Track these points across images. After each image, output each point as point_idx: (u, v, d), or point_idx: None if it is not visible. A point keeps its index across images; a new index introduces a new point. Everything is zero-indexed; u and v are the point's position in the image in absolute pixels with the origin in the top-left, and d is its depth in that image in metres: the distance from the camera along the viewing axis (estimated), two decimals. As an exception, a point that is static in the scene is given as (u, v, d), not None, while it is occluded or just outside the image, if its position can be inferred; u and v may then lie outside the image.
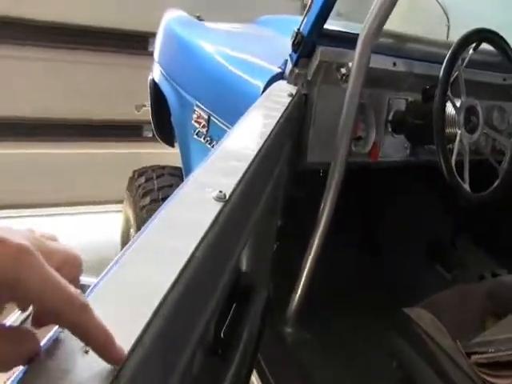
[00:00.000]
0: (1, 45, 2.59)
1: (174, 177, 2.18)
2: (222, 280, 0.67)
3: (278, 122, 1.00)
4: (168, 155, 2.34)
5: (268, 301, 0.80)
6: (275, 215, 1.36)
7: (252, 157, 0.81)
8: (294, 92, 1.21)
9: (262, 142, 0.88)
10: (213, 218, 0.60)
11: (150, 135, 2.86)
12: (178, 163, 2.05)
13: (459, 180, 1.29)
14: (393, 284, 1.87)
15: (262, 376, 1.49)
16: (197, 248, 0.54)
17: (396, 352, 1.32)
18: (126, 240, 2.33)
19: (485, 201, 1.35)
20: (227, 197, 0.65)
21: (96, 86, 2.80)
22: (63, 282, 0.38)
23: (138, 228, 2.11)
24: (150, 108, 2.18)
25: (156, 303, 0.44)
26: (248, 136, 0.92)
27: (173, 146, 2.29)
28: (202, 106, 1.55)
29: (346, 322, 1.68)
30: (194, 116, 1.60)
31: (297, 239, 1.47)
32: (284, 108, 1.07)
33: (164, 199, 1.98)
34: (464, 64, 1.37)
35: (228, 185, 0.69)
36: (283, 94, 1.19)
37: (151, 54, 2.14)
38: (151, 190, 2.12)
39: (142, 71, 2.35)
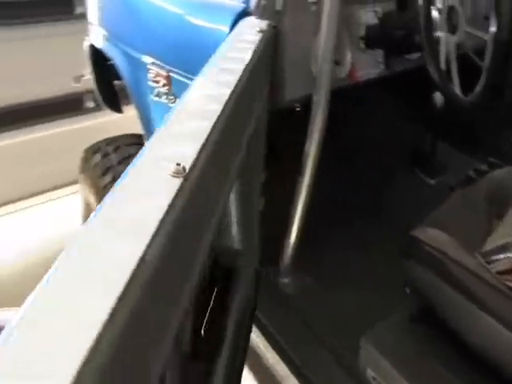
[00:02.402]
0: None
1: (132, 146, 2.03)
2: (193, 267, 0.58)
3: (250, 63, 0.89)
4: (114, 123, 2.18)
5: (257, 274, 0.69)
6: (256, 171, 1.27)
7: (217, 113, 0.68)
8: (264, 27, 1.09)
9: (229, 93, 0.75)
10: (169, 200, 0.50)
11: (92, 105, 2.67)
12: (130, 130, 1.92)
13: (450, 83, 1.23)
14: (384, 204, 1.84)
15: (264, 333, 1.45)
16: (149, 246, 0.44)
17: (410, 278, 1.27)
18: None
19: (476, 102, 1.31)
20: (187, 170, 0.55)
21: (21, 64, 2.54)
22: None
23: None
24: (91, 77, 2.01)
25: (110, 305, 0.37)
26: (212, 87, 0.79)
27: (121, 112, 2.16)
28: (159, 63, 1.41)
29: (345, 260, 1.64)
30: (150, 75, 1.45)
31: (284, 186, 1.40)
32: (254, 46, 0.96)
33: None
34: None
35: (188, 154, 0.58)
36: (252, 31, 1.07)
37: (79, 17, 1.94)
38: (111, 167, 1.97)
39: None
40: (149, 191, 0.52)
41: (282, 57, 1.22)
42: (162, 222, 0.47)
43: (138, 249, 0.43)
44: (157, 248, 0.45)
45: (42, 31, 2.43)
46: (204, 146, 0.61)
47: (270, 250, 1.52)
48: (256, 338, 1.47)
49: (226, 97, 0.73)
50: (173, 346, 0.50)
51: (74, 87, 2.25)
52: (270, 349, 1.42)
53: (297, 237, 1.46)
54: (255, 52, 0.95)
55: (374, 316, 1.32)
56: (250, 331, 0.65)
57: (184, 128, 0.65)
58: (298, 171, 1.37)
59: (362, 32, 1.36)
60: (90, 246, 0.43)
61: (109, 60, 1.77)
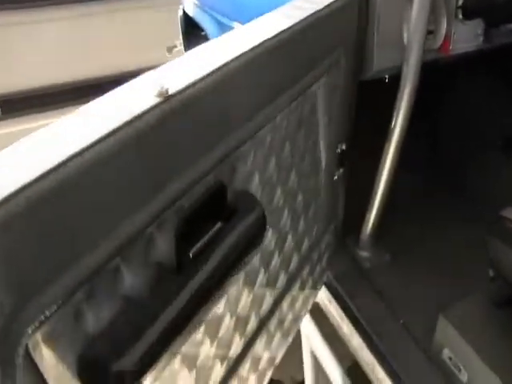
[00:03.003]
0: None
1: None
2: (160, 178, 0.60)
3: (300, 23, 0.88)
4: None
5: (258, 225, 0.73)
6: (336, 138, 1.25)
7: (235, 55, 0.71)
8: None
9: (257, 43, 0.76)
10: (137, 112, 0.54)
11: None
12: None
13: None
14: (473, 187, 1.76)
15: (340, 304, 1.45)
16: (99, 141, 0.50)
17: (495, 259, 1.20)
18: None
19: None
20: (169, 93, 0.58)
21: (115, 37, 2.65)
22: None
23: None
24: (182, 46, 2.06)
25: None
26: (249, 37, 0.79)
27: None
28: (248, 30, 1.42)
29: (428, 239, 1.61)
30: (239, 43, 1.47)
31: (366, 159, 1.37)
32: (315, 8, 0.93)
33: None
34: None
35: (181, 81, 0.61)
36: None
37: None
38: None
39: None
40: (124, 103, 0.57)
41: (373, 25, 1.19)
42: (124, 126, 0.52)
43: (89, 138, 0.49)
44: (109, 144, 0.50)
45: (142, 3, 2.54)
46: (203, 80, 0.64)
47: (351, 221, 1.52)
48: (332, 308, 1.47)
49: (251, 45, 0.75)
50: (123, 246, 0.55)
51: (167, 58, 2.31)
52: (345, 320, 1.42)
53: (378, 211, 1.44)
54: (314, 14, 0.93)
55: (452, 296, 1.28)
56: (231, 274, 0.70)
57: (194, 61, 0.70)
58: (382, 144, 1.34)
59: (460, 1, 1.28)
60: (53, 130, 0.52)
61: (201, 30, 1.81)
